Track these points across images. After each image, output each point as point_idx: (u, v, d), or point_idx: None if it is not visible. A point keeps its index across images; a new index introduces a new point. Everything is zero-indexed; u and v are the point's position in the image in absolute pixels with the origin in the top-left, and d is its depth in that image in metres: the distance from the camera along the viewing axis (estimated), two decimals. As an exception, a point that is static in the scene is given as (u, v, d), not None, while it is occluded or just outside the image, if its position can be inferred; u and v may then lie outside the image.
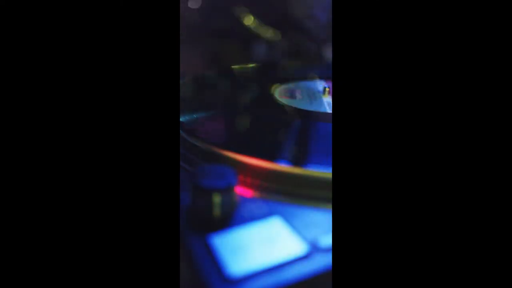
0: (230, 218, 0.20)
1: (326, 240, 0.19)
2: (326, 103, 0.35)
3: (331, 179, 0.20)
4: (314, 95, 0.37)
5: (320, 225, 0.20)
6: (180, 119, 0.30)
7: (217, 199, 0.20)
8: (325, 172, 0.22)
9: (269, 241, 0.19)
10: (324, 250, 0.18)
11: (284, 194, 0.22)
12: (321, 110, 0.33)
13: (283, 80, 0.41)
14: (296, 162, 0.24)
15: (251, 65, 0.48)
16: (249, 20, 0.45)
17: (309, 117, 0.32)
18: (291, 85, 0.40)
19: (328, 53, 0.52)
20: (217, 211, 0.20)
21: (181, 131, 0.28)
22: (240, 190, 0.23)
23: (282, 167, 0.23)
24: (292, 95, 0.37)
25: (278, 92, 0.38)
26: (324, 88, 0.37)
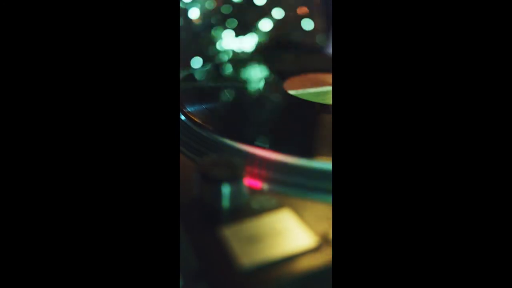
0: (239, 210, 0.20)
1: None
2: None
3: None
4: None
5: (330, 217, 0.20)
6: (189, 109, 0.29)
7: (226, 190, 0.19)
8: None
9: (279, 233, 0.18)
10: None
11: (294, 186, 0.22)
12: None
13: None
14: (306, 154, 0.23)
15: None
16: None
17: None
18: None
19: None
20: (225, 202, 0.20)
21: (189, 122, 0.28)
22: (250, 182, 0.22)
23: (292, 158, 0.23)
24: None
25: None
26: None
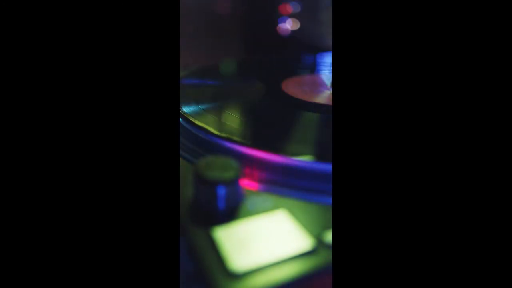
0: (235, 211, 0.20)
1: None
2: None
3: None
4: None
5: (327, 219, 0.19)
6: (186, 110, 0.29)
7: (221, 191, 0.19)
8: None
9: (274, 235, 0.18)
10: (331, 246, 0.18)
11: (290, 187, 0.22)
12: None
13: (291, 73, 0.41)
14: (302, 155, 0.23)
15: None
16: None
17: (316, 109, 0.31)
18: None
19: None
20: (221, 204, 0.19)
21: (185, 123, 0.28)
22: (245, 183, 0.22)
23: (288, 159, 0.23)
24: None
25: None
26: None
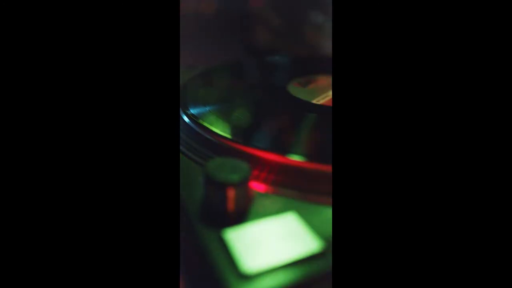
0: (244, 213, 0.20)
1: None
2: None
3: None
4: None
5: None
6: (192, 111, 0.29)
7: (231, 193, 0.19)
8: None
9: (284, 237, 0.18)
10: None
11: (299, 190, 0.22)
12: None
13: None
14: (311, 157, 0.23)
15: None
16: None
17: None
18: None
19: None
20: (231, 206, 0.20)
21: (193, 124, 0.28)
22: (255, 185, 0.22)
23: (297, 161, 0.23)
24: None
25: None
26: None
